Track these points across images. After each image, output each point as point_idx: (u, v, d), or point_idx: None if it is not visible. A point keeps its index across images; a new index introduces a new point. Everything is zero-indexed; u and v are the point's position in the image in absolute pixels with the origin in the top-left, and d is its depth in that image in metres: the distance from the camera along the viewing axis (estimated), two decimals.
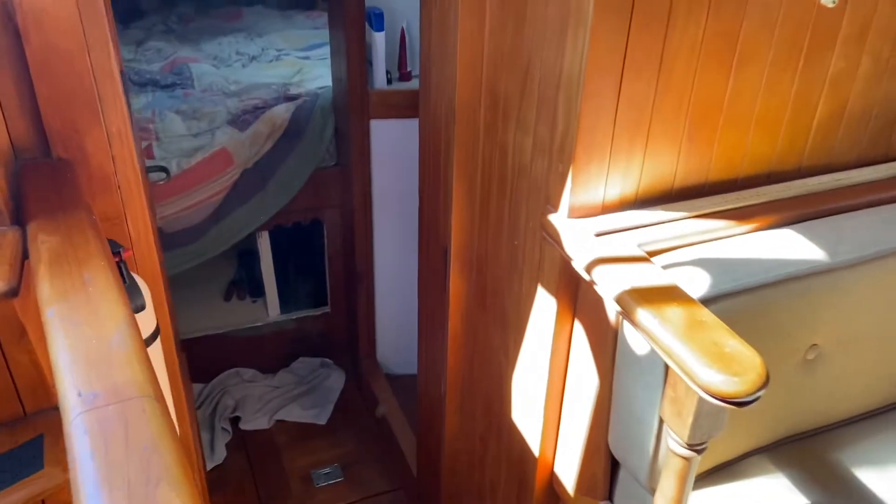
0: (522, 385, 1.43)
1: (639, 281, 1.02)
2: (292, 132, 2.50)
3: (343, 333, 2.95)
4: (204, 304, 2.93)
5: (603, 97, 1.09)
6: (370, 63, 2.30)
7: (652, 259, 1.10)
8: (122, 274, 1.14)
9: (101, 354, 0.74)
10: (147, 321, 1.21)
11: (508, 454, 1.54)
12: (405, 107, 2.33)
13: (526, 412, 1.43)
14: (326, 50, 3.21)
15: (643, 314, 0.96)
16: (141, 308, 1.15)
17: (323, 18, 3.55)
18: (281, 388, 2.81)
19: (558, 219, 1.17)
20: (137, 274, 1.27)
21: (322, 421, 2.69)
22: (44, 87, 1.08)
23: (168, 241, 2.39)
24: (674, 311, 0.96)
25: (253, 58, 3.12)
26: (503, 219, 1.38)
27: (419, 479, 2.21)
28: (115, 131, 1.20)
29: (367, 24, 2.22)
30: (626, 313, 0.99)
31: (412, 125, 2.38)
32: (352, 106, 2.30)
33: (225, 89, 2.80)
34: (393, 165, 2.46)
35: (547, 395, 1.33)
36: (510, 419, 1.50)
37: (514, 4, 1.22)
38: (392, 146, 2.42)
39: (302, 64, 3.06)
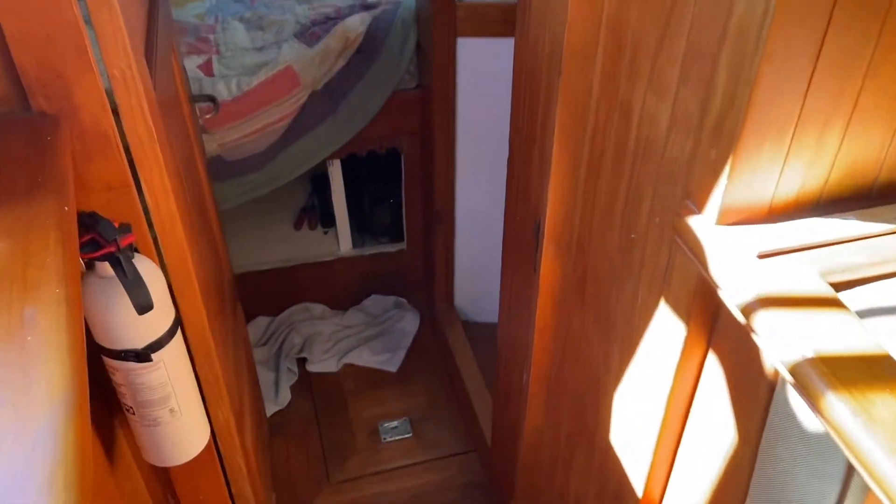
0: (626, 409, 1.13)
1: (828, 343, 0.68)
2: (368, 48, 2.17)
3: (419, 272, 2.71)
4: (272, 233, 2.73)
5: (794, 55, 0.71)
6: None
7: (841, 295, 0.76)
8: (120, 267, 0.89)
9: (11, 464, 0.49)
10: (162, 315, 0.97)
11: (601, 476, 1.27)
12: (499, 23, 1.94)
13: (629, 441, 1.14)
14: None
15: (837, 406, 0.63)
16: (147, 308, 0.91)
17: None
18: (351, 328, 2.62)
19: (702, 224, 0.83)
20: (152, 256, 1.02)
21: (393, 368, 2.50)
22: (11, 19, 0.80)
23: (229, 169, 2.16)
24: (886, 406, 0.63)
25: None
26: (617, 203, 1.04)
27: (493, 450, 1.99)
28: (116, 75, 0.93)
29: None
30: (808, 396, 0.67)
31: (506, 45, 2.00)
32: (436, 20, 1.94)
33: None
34: (482, 90, 2.10)
35: (660, 433, 1.03)
36: (606, 439, 1.22)
37: None
38: (481, 68, 2.05)
39: None
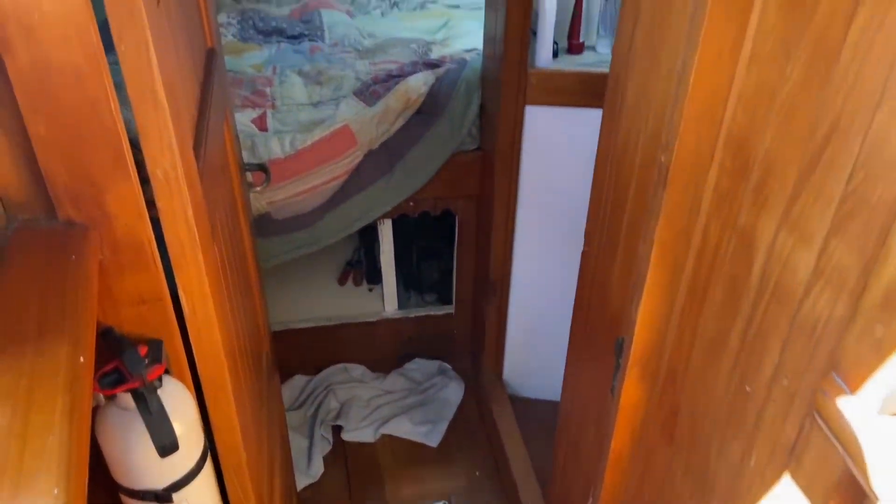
0: None
1: None
2: (429, 109, 2.06)
3: (466, 339, 2.56)
4: (315, 287, 2.62)
5: None
6: (534, 33, 1.78)
7: None
8: (144, 402, 0.76)
9: None
10: (188, 451, 0.84)
11: None
12: (573, 93, 1.81)
13: None
14: None
15: None
16: (171, 450, 0.78)
17: None
18: (391, 394, 2.47)
19: (858, 411, 0.66)
20: (184, 373, 0.90)
21: (433, 443, 2.34)
22: (40, 123, 0.69)
23: (276, 226, 2.06)
24: None
25: (394, 4, 2.66)
26: (727, 343, 0.88)
27: None
28: (159, 176, 0.81)
29: None
30: None
31: (580, 116, 1.87)
32: (505, 87, 1.81)
33: (357, 44, 2.38)
34: (548, 160, 1.96)
35: None
36: None
37: (818, 14, 0.68)
38: (551, 137, 1.91)
39: (450, 15, 2.57)
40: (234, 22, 2.39)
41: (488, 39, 1.99)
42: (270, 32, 2.41)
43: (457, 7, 2.63)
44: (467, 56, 2.22)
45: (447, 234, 2.46)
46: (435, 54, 2.30)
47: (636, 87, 1.06)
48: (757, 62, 0.78)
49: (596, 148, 1.92)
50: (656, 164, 0.94)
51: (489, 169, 2.10)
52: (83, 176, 0.73)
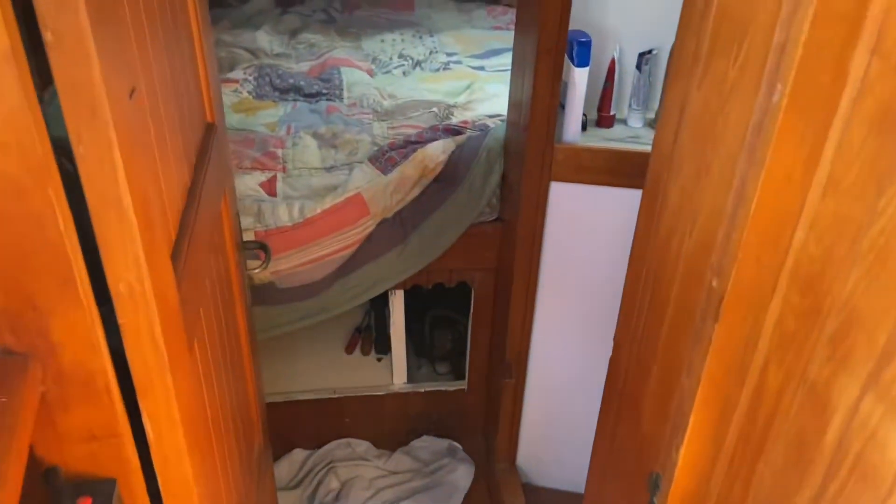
0: None
1: None
2: (447, 177, 1.95)
3: (479, 418, 2.40)
4: (321, 355, 2.48)
5: None
6: (562, 107, 1.67)
7: None
8: None
9: None
10: None
11: None
12: (601, 171, 1.69)
13: None
14: (506, 59, 2.62)
15: None
16: None
17: (508, 16, 2.95)
18: (397, 475, 2.31)
19: None
20: None
21: None
22: None
23: (281, 295, 1.94)
24: None
25: (417, 63, 2.58)
26: None
27: None
28: (122, 290, 0.69)
29: (566, 56, 1.59)
30: None
31: (607, 195, 1.74)
32: (529, 161, 1.70)
33: (376, 105, 2.29)
34: (574, 237, 1.83)
35: None
36: None
37: None
38: (576, 215, 1.79)
39: (474, 77, 2.48)
40: (251, 78, 2.32)
41: (513, 106, 1.89)
42: (287, 90, 2.33)
43: (481, 69, 2.55)
44: (490, 122, 2.12)
45: (462, 302, 2.33)
46: (457, 118, 2.20)
47: (680, 190, 0.93)
48: (837, 190, 0.65)
49: (624, 229, 1.80)
50: (705, 287, 0.81)
51: (509, 241, 1.97)
52: (23, 299, 0.61)
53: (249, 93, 2.29)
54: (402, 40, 2.74)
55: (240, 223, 1.35)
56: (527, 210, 1.77)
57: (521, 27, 1.77)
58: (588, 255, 1.82)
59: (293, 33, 2.77)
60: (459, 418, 2.41)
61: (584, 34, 1.62)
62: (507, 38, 2.79)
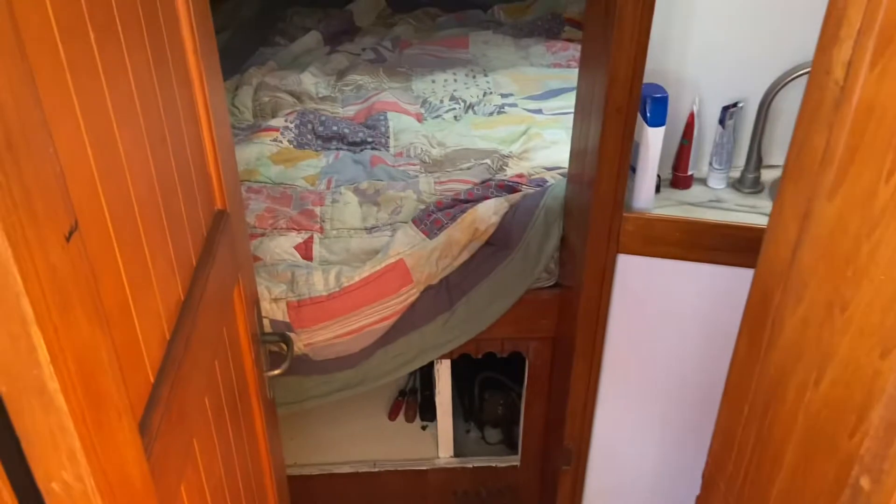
0: None
1: None
2: (500, 240, 1.75)
3: (532, 500, 2.17)
4: (361, 420, 2.30)
5: None
6: (633, 169, 1.46)
7: None
8: None
9: None
10: None
11: None
12: (678, 244, 1.46)
13: None
14: (566, 100, 2.42)
15: None
16: None
17: (569, 52, 2.75)
18: None
19: None
20: None
21: None
22: None
23: (314, 367, 1.77)
24: None
25: (469, 107, 2.41)
26: None
27: None
28: (57, 490, 0.52)
29: (639, 113, 1.38)
30: None
31: (684, 270, 1.52)
32: (594, 231, 1.49)
33: (425, 155, 2.12)
34: (645, 315, 1.60)
35: None
36: None
37: None
38: (648, 291, 1.57)
39: (531, 121, 2.29)
40: (292, 126, 2.18)
41: (575, 157, 1.68)
42: (330, 138, 2.19)
43: (538, 112, 2.35)
44: (549, 176, 1.92)
45: (515, 366, 2.13)
46: (511, 170, 2.00)
47: (800, 322, 0.71)
48: None
49: (703, 310, 1.57)
50: (850, 487, 0.59)
51: (568, 310, 1.76)
52: None
53: (290, 141, 2.15)
54: (455, 80, 2.57)
55: (259, 314, 1.18)
56: (590, 284, 1.56)
57: (586, 69, 1.57)
58: (660, 336, 1.59)
59: (340, 74, 2.64)
60: (511, 498, 2.19)
61: (660, 88, 1.41)
62: (568, 76, 2.59)
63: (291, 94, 2.46)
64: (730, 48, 1.50)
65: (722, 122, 1.54)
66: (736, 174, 1.60)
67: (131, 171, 0.67)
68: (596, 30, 1.43)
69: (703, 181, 1.63)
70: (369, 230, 1.81)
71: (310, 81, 2.53)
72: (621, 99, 1.32)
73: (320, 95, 2.50)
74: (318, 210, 1.84)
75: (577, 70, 2.67)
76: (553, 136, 2.17)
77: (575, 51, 2.74)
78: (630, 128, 1.36)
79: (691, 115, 1.53)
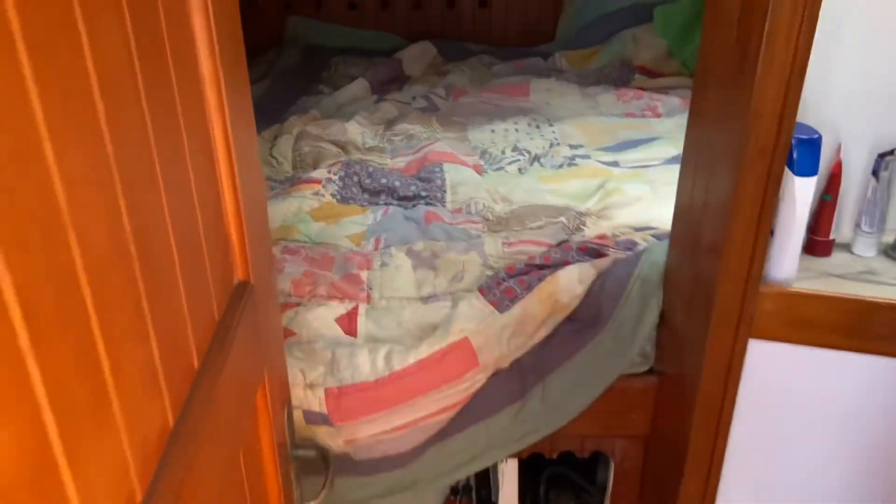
0: None
1: None
2: (586, 316, 1.44)
3: None
4: None
5: None
6: (771, 232, 1.14)
7: None
8: None
9: None
10: None
11: None
12: (829, 328, 1.12)
13: None
14: (646, 152, 2.12)
15: None
16: None
17: (642, 101, 2.47)
18: None
19: None
20: None
21: None
22: None
23: (355, 467, 1.44)
24: None
25: (535, 158, 2.13)
26: None
27: None
28: None
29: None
30: None
31: (839, 362, 1.17)
32: (720, 309, 1.16)
33: (487, 211, 1.83)
34: (784, 418, 1.25)
35: None
36: None
37: None
38: (788, 386, 1.22)
39: (607, 174, 2.00)
40: (336, 178, 1.92)
41: (680, 218, 1.38)
42: (378, 191, 1.92)
43: (614, 164, 2.06)
44: (638, 237, 1.61)
45: (589, 463, 1.77)
46: (591, 230, 1.70)
47: None
48: None
49: (862, 413, 1.22)
50: None
51: (669, 403, 1.42)
52: None
53: (333, 195, 1.88)
54: (517, 130, 2.30)
55: (292, 420, 0.87)
56: (711, 376, 1.22)
57: (699, 112, 1.28)
58: (805, 443, 1.24)
59: (389, 123, 2.39)
60: None
61: (809, 129, 1.10)
62: (643, 126, 2.31)
63: (335, 143, 2.21)
64: (885, 81, 1.20)
65: (876, 172, 1.22)
66: (891, 239, 1.27)
67: (78, 232, 0.39)
68: (719, 64, 1.14)
69: (845, 247, 1.30)
70: (425, 300, 1.50)
71: (356, 130, 2.29)
72: (767, 139, 1.02)
73: (367, 145, 2.25)
74: (364, 275, 1.55)
75: (652, 120, 2.42)
76: (635, 192, 1.87)
77: (650, 100, 2.47)
78: (776, 177, 1.05)
79: (837, 165, 1.21)
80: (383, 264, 1.58)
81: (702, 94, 1.26)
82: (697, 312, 1.25)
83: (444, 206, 1.87)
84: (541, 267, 1.49)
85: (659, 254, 1.45)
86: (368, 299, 1.50)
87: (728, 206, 1.09)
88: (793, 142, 1.07)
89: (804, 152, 1.07)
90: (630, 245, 1.57)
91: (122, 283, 0.45)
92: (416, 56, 2.95)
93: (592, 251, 1.55)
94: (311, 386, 1.33)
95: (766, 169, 1.04)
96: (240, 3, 0.72)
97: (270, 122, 2.36)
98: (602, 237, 1.63)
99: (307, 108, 2.48)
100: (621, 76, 2.68)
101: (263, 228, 0.76)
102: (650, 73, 2.71)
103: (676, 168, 1.98)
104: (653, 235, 1.60)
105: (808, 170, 1.08)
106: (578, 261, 1.50)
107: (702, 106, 1.26)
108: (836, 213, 1.24)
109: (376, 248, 1.67)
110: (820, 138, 1.08)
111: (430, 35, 3.11)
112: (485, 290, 1.46)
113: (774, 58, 0.98)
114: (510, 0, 3.16)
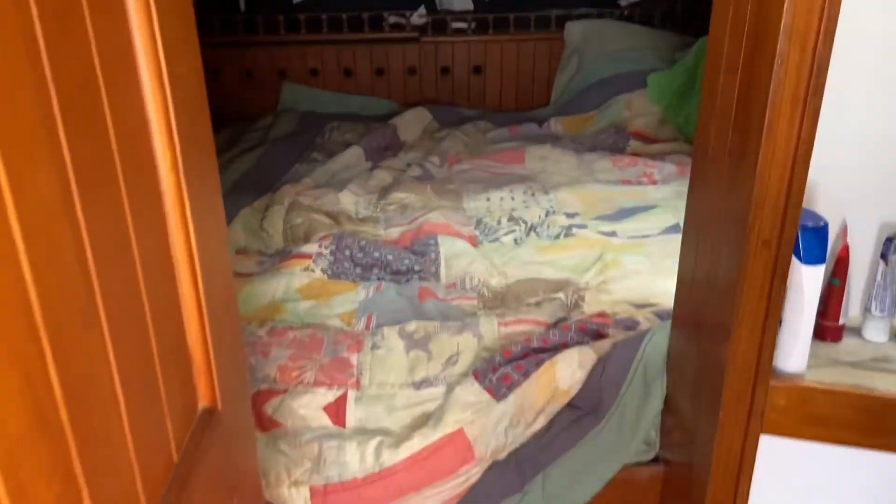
0: None
1: None
2: (586, 402, 1.37)
3: None
4: None
5: None
6: (779, 322, 1.08)
7: None
8: None
9: None
10: None
11: None
12: (853, 426, 1.06)
13: None
14: (643, 221, 2.08)
15: None
16: None
17: (638, 167, 2.45)
18: None
19: None
20: None
21: None
22: None
23: None
24: None
25: (531, 228, 2.08)
26: None
27: None
28: None
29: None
30: None
31: (869, 462, 1.10)
32: (729, 403, 1.09)
33: (483, 286, 1.78)
34: None
35: None
36: None
37: None
38: (809, 485, 1.14)
39: (605, 244, 1.95)
40: (327, 252, 1.87)
41: (683, 297, 1.32)
42: (371, 265, 1.87)
43: (612, 234, 2.01)
44: (640, 315, 1.55)
45: None
46: (589, 306, 1.64)
47: None
48: None
49: None
50: None
51: (676, 495, 1.34)
52: None
53: (324, 270, 1.83)
54: (512, 198, 2.26)
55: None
56: (720, 471, 1.14)
57: (699, 186, 1.23)
58: None
59: (383, 192, 2.36)
60: None
61: (816, 215, 1.05)
62: (640, 194, 2.28)
63: (328, 214, 2.17)
64: (892, 161, 1.16)
65: (885, 256, 1.17)
66: None
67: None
68: (718, 143, 1.11)
69: (855, 331, 1.24)
70: (418, 385, 1.43)
71: (349, 200, 2.25)
72: (770, 232, 0.97)
73: (360, 216, 2.21)
74: (354, 358, 1.48)
75: (649, 187, 2.38)
76: (634, 264, 1.82)
77: (644, 166, 2.44)
78: (783, 266, 0.99)
79: (844, 248, 1.16)
80: (374, 346, 1.52)
81: (701, 169, 1.21)
82: (705, 401, 1.19)
83: (438, 281, 1.81)
84: (539, 350, 1.42)
85: (661, 336, 1.39)
86: (358, 385, 1.43)
87: (733, 290, 1.04)
88: (799, 230, 1.03)
89: (811, 241, 1.02)
90: (631, 324, 1.51)
91: (45, 452, 0.39)
92: (411, 122, 2.94)
93: (592, 331, 1.49)
94: (295, 484, 1.25)
95: (771, 258, 0.99)
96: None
97: (262, 192, 2.32)
98: (601, 315, 1.57)
99: (300, 176, 2.45)
100: (617, 142, 2.66)
101: (235, 341, 0.70)
102: (645, 139, 2.69)
103: (675, 238, 1.95)
104: (654, 313, 1.54)
105: (816, 258, 1.03)
106: (578, 342, 1.43)
107: (702, 181, 1.21)
108: (845, 297, 1.18)
109: (367, 328, 1.60)
110: (826, 226, 1.04)
111: (425, 101, 3.12)
112: (480, 375, 1.39)
113: (777, 144, 0.94)
114: (504, 66, 3.17)
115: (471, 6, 3.15)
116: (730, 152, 1.06)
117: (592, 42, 3.02)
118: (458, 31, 3.16)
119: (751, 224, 0.98)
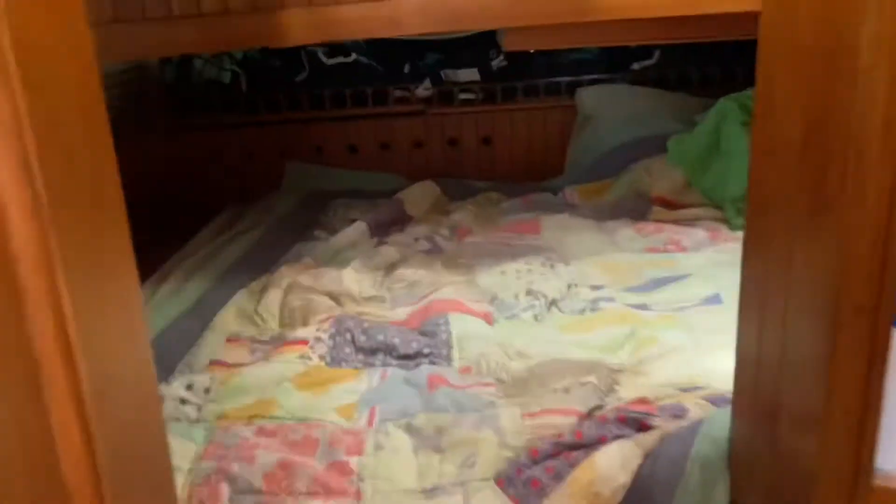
0: None
1: None
2: None
3: None
4: None
5: None
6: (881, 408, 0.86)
7: None
8: None
9: None
10: None
11: None
12: None
13: None
14: (678, 292, 1.87)
15: None
16: None
17: (663, 234, 2.26)
18: None
19: None
20: None
21: None
22: None
23: None
24: None
25: (552, 303, 1.88)
26: None
27: None
28: None
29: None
30: None
31: None
32: (825, 490, 0.86)
33: (501, 370, 1.56)
34: None
35: None
36: None
37: None
38: None
39: (636, 319, 1.74)
40: (325, 336, 1.67)
41: (747, 380, 1.10)
42: (375, 350, 1.66)
43: (643, 308, 1.81)
44: (688, 401, 1.32)
45: None
46: (626, 391, 1.42)
47: None
48: None
49: None
50: None
51: None
52: None
53: (322, 357, 1.63)
54: (529, 271, 2.06)
55: None
56: None
57: (758, 248, 1.04)
58: None
59: (389, 269, 2.18)
60: None
61: None
62: (669, 263, 2.08)
63: (330, 295, 1.98)
64: None
65: None
66: None
67: None
68: (779, 196, 0.92)
69: None
70: (429, 493, 1.20)
71: (352, 279, 2.07)
72: (864, 296, 0.76)
73: (364, 296, 2.01)
74: (354, 462, 1.26)
75: (678, 255, 2.18)
76: (672, 340, 1.61)
77: (672, 233, 2.26)
78: (883, 339, 0.78)
79: None
80: (378, 447, 1.29)
81: (760, 228, 1.02)
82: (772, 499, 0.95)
83: (450, 366, 1.60)
84: (572, 447, 1.20)
85: (719, 426, 1.16)
86: (359, 496, 1.20)
87: (818, 369, 0.83)
88: None
89: None
90: (679, 411, 1.28)
91: None
92: (419, 195, 2.80)
93: (633, 421, 1.26)
94: None
95: (867, 330, 0.78)
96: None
97: (260, 274, 2.15)
98: (643, 401, 1.34)
99: (300, 255, 2.28)
100: (637, 208, 2.49)
101: (156, 483, 0.49)
102: (669, 205, 2.51)
103: (716, 310, 1.74)
104: (705, 398, 1.32)
105: None
106: (617, 436, 1.21)
107: (762, 243, 1.02)
108: None
109: (370, 425, 1.38)
110: None
111: (432, 174, 2.98)
112: (503, 480, 1.16)
113: (866, 182, 0.75)
114: (514, 135, 3.05)
115: (477, 77, 3.06)
116: (800, 203, 0.87)
117: (606, 107, 2.90)
118: (466, 102, 3.06)
119: (838, 288, 0.77)
